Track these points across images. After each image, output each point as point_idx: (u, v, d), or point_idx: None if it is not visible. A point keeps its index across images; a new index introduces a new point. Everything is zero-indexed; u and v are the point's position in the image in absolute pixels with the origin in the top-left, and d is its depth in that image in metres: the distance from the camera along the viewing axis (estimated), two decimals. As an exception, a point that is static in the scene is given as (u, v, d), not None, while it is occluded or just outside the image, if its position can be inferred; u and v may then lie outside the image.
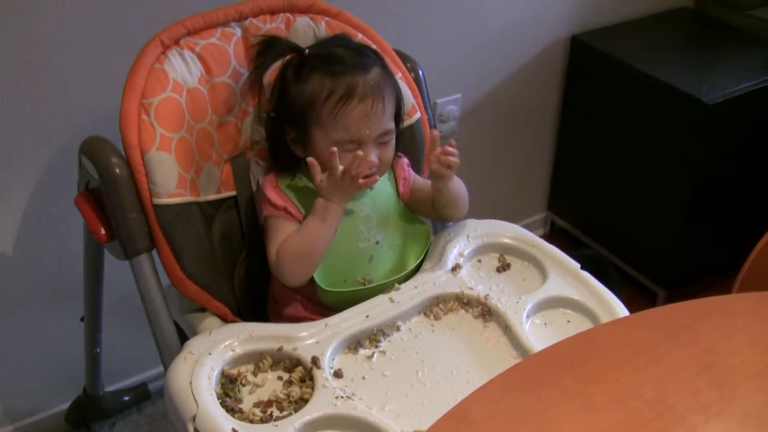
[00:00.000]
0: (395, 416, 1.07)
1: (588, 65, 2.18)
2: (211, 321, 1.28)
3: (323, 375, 1.11)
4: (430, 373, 1.15)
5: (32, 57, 1.44)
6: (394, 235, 1.34)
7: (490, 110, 2.15)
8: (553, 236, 2.51)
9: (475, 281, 1.29)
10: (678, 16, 2.32)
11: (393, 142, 1.29)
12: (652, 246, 2.19)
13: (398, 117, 1.32)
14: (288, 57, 1.29)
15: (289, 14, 1.36)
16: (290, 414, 1.07)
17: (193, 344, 1.15)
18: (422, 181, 1.40)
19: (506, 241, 1.37)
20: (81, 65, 1.50)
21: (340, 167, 1.21)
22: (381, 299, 1.25)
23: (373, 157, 1.24)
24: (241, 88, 1.33)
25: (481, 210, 1.86)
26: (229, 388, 1.11)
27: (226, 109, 1.32)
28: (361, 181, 1.22)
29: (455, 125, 2.08)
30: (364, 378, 1.14)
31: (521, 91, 2.18)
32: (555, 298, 1.26)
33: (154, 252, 1.24)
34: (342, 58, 1.25)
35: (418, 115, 1.44)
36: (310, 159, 1.24)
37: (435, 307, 1.26)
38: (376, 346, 1.19)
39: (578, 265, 1.30)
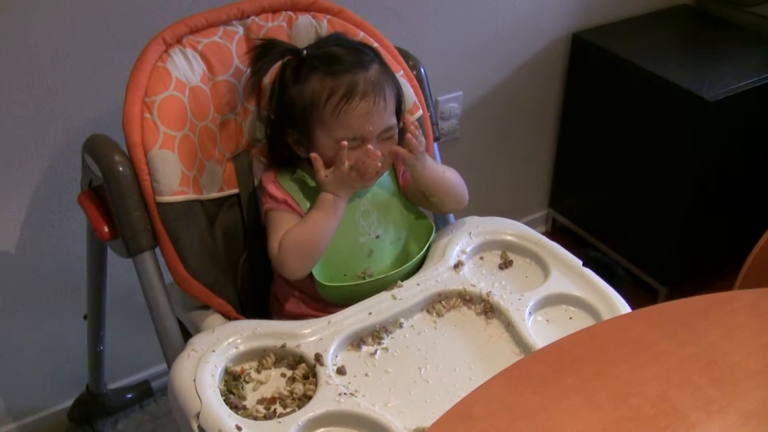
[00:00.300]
0: (398, 413, 1.07)
1: (589, 63, 2.18)
2: (214, 318, 1.29)
3: (326, 372, 1.12)
4: (433, 370, 1.15)
5: (34, 55, 1.45)
6: (395, 229, 1.34)
7: (492, 107, 2.16)
8: (555, 233, 2.51)
9: (478, 278, 1.30)
10: (679, 14, 2.32)
11: (395, 137, 1.29)
12: (654, 243, 2.20)
13: (398, 112, 1.32)
14: (286, 59, 1.29)
15: (290, 12, 1.37)
16: (294, 411, 1.07)
17: (197, 341, 1.16)
18: None
19: (508, 238, 1.37)
20: (83, 64, 1.50)
21: (347, 162, 1.22)
22: (383, 296, 1.25)
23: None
24: (242, 88, 1.33)
25: (482, 207, 1.87)
26: (232, 385, 1.12)
27: (228, 108, 1.32)
28: (368, 175, 1.23)
29: (457, 123, 2.09)
30: (367, 375, 1.14)
31: (523, 88, 2.18)
32: (557, 295, 1.26)
33: (157, 250, 1.25)
34: (340, 57, 1.25)
35: (420, 112, 1.44)
36: (314, 154, 1.24)
37: (437, 304, 1.26)
38: (379, 343, 1.19)
39: (580, 262, 1.30)
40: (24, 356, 1.74)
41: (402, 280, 1.28)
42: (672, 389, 0.93)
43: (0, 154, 1.50)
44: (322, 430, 1.06)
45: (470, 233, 1.37)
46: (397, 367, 1.16)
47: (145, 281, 1.24)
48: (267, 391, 1.12)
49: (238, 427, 1.03)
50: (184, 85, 1.26)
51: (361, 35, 1.39)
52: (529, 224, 1.48)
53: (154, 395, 1.91)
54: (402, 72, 1.42)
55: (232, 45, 1.32)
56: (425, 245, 1.34)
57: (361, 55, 1.27)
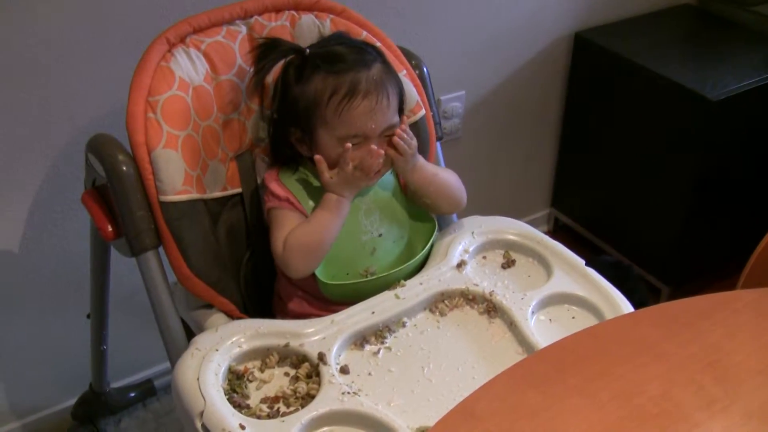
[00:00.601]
0: (401, 412, 1.08)
1: (591, 62, 2.18)
2: (218, 317, 1.29)
3: (329, 371, 1.12)
4: (436, 369, 1.15)
5: (37, 55, 1.45)
6: (398, 227, 1.34)
7: (494, 107, 2.16)
8: (557, 233, 2.51)
9: (480, 278, 1.30)
10: (681, 13, 2.32)
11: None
12: (656, 243, 2.20)
13: (400, 111, 1.32)
14: (289, 58, 1.30)
15: (294, 12, 1.37)
16: (297, 410, 1.08)
17: (200, 341, 1.16)
18: None
19: (511, 237, 1.37)
20: (87, 63, 1.50)
21: (351, 163, 1.22)
22: (386, 295, 1.25)
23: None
24: (245, 87, 1.34)
25: (484, 206, 1.87)
26: (236, 384, 1.12)
27: (231, 107, 1.33)
28: (371, 174, 1.24)
29: (459, 122, 2.09)
30: (370, 374, 1.14)
31: (525, 87, 2.19)
32: (560, 294, 1.26)
33: (161, 249, 1.25)
34: (343, 56, 1.25)
35: (422, 112, 1.44)
36: (317, 156, 1.24)
37: (440, 303, 1.26)
38: (382, 343, 1.19)
39: (583, 262, 1.30)
40: (27, 355, 1.74)
41: (404, 279, 1.29)
42: (675, 389, 0.93)
43: (3, 153, 1.51)
44: (325, 429, 1.06)
45: (473, 232, 1.37)
46: (400, 366, 1.16)
47: (149, 280, 1.24)
48: (270, 390, 1.12)
49: (242, 426, 1.03)
50: (187, 85, 1.26)
51: (363, 35, 1.40)
52: (532, 223, 1.48)
53: (157, 394, 1.90)
54: (405, 71, 1.42)
55: (236, 44, 1.32)
56: (428, 243, 1.35)
57: (363, 53, 1.27)
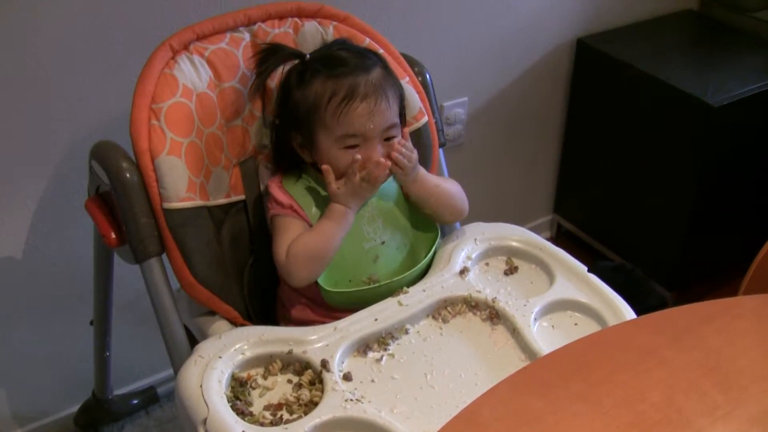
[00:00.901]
0: (404, 419, 1.08)
1: (593, 68, 2.18)
2: (221, 325, 1.29)
3: (333, 378, 1.12)
4: (439, 376, 1.15)
5: (41, 62, 1.45)
6: (401, 235, 1.34)
7: (497, 113, 2.16)
8: (560, 239, 2.51)
9: (483, 284, 1.30)
10: (682, 19, 2.32)
11: (399, 138, 1.30)
12: (658, 248, 2.20)
13: (401, 118, 1.33)
14: (290, 63, 1.30)
15: (297, 19, 1.37)
16: (300, 417, 1.08)
17: (203, 348, 1.16)
18: None
19: (513, 244, 1.37)
20: (90, 70, 1.51)
21: (358, 174, 1.23)
22: (389, 302, 1.25)
23: (379, 152, 1.25)
24: (248, 93, 1.34)
25: (487, 212, 1.87)
26: (239, 391, 1.12)
27: (234, 114, 1.33)
28: (378, 186, 1.25)
29: (462, 128, 2.09)
30: (373, 381, 1.14)
31: (527, 93, 2.19)
32: (562, 300, 1.27)
33: (164, 256, 1.25)
34: (344, 60, 1.26)
35: (425, 119, 1.44)
36: (325, 167, 1.25)
37: (443, 310, 1.26)
38: (385, 349, 1.20)
39: (585, 268, 1.31)
40: (30, 362, 1.74)
41: (407, 286, 1.29)
42: (677, 395, 0.93)
43: (7, 160, 1.51)
44: (328, 435, 1.07)
45: (475, 239, 1.37)
46: (403, 373, 1.16)
47: (152, 287, 1.24)
48: (273, 397, 1.13)
49: (245, 433, 1.03)
50: (191, 92, 1.26)
51: (366, 41, 1.40)
52: (534, 230, 1.48)
53: (159, 401, 1.91)
54: (407, 78, 1.42)
55: (239, 51, 1.33)
56: (430, 251, 1.35)
57: (364, 58, 1.28)
